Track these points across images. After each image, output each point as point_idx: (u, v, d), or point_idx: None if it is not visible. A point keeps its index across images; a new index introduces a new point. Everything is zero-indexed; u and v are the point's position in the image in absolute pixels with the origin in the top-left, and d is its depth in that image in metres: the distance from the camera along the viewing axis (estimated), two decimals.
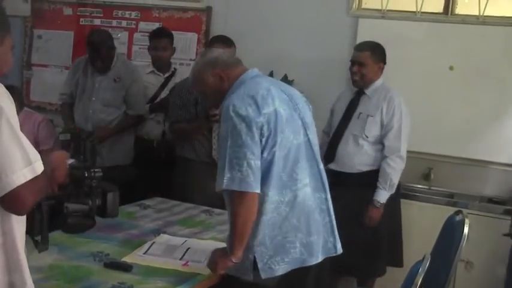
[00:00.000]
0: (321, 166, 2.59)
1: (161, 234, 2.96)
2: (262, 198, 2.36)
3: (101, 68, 4.28)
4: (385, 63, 3.85)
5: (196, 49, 5.23)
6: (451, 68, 4.37)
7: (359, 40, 4.29)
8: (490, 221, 3.99)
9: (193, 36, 5.25)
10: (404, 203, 3.98)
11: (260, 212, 2.36)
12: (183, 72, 4.87)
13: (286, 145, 2.40)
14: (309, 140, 2.53)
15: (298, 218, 2.43)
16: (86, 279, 2.32)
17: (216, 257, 2.41)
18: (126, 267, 2.45)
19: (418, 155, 4.16)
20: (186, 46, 5.22)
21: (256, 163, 2.30)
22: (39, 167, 1.67)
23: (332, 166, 3.86)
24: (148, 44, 4.60)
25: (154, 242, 2.78)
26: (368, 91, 3.84)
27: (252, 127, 2.31)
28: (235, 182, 2.28)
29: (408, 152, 3.81)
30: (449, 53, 4.39)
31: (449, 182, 4.46)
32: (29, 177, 1.63)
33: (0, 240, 1.68)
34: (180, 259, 2.59)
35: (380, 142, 3.77)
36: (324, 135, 4.06)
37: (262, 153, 2.35)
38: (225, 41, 3.93)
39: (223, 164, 2.32)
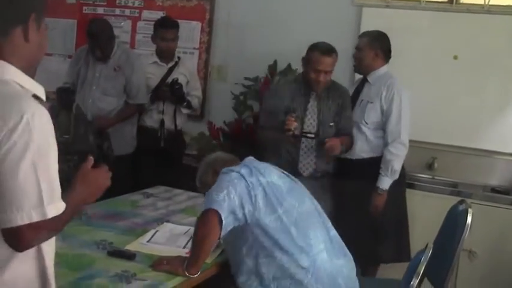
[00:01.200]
0: (332, 233, 2.60)
1: (164, 223, 2.97)
2: (280, 264, 2.41)
3: (100, 57, 4.27)
4: (384, 51, 3.83)
5: (200, 38, 5.22)
6: (455, 58, 4.35)
7: (363, 29, 4.27)
8: (493, 211, 3.98)
9: (197, 25, 5.23)
10: (408, 193, 3.97)
11: (280, 277, 2.42)
12: (187, 61, 4.86)
13: (292, 212, 2.47)
14: (316, 208, 2.60)
15: (323, 284, 2.43)
16: (89, 267, 2.33)
17: (174, 260, 2.40)
18: (130, 256, 2.46)
19: (422, 145, 4.15)
20: (189, 35, 5.20)
21: (235, 198, 2.36)
22: (51, 211, 1.55)
23: None
24: (153, 33, 4.57)
25: (157, 231, 2.79)
26: (370, 78, 3.85)
27: (240, 179, 2.42)
28: (211, 203, 2.34)
29: (412, 141, 3.80)
30: (454, 42, 4.37)
31: (453, 172, 4.46)
32: (35, 219, 1.52)
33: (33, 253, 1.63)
34: (183, 247, 2.60)
35: (381, 128, 3.77)
36: None
37: (263, 218, 2.41)
38: (324, 49, 3.60)
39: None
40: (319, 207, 2.64)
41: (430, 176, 4.48)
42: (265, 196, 2.43)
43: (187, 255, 2.47)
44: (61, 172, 1.62)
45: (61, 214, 1.59)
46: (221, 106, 5.07)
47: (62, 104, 1.95)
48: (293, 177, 2.72)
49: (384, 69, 3.85)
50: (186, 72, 4.61)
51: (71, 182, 1.69)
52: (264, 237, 2.42)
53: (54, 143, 1.58)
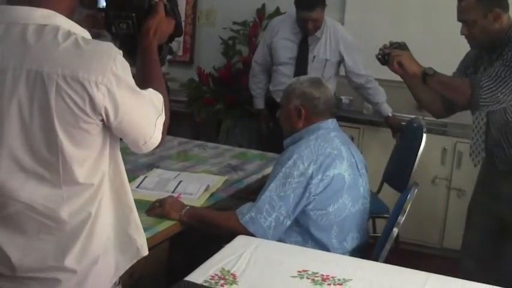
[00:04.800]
0: (366, 236, 2.52)
1: (154, 169, 2.97)
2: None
3: (87, 5, 4.21)
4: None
5: None
6: None
7: None
8: None
9: None
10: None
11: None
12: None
13: (343, 211, 2.34)
14: (364, 209, 2.48)
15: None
16: None
17: (167, 203, 2.38)
18: None
19: None
20: None
21: (284, 221, 2.27)
22: (163, 110, 1.62)
23: None
24: None
25: (146, 176, 2.79)
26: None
27: (304, 188, 2.27)
28: (253, 224, 2.26)
29: (401, 82, 3.74)
30: None
31: None
32: (161, 123, 1.62)
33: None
34: (173, 192, 2.61)
35: None
36: None
37: (309, 211, 2.30)
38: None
39: (257, 201, 2.30)
40: (368, 205, 2.51)
41: (419, 117, 4.47)
42: (323, 191, 2.30)
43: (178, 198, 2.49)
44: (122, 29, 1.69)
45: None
46: (210, 51, 5.03)
47: None
48: (358, 156, 2.50)
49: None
50: None
51: (145, 28, 1.73)
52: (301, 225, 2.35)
53: None
